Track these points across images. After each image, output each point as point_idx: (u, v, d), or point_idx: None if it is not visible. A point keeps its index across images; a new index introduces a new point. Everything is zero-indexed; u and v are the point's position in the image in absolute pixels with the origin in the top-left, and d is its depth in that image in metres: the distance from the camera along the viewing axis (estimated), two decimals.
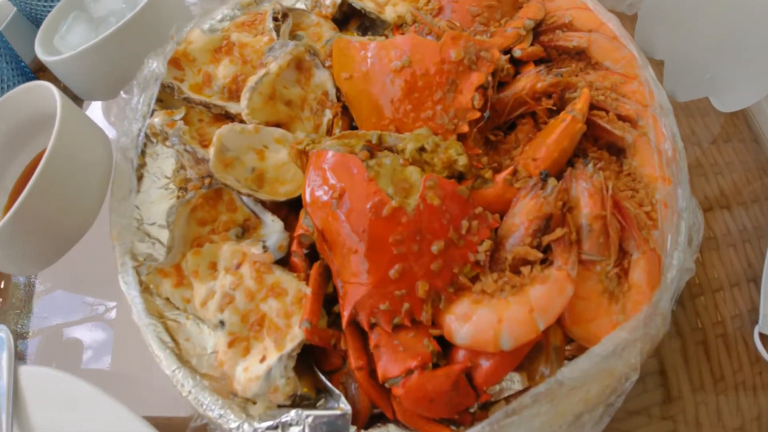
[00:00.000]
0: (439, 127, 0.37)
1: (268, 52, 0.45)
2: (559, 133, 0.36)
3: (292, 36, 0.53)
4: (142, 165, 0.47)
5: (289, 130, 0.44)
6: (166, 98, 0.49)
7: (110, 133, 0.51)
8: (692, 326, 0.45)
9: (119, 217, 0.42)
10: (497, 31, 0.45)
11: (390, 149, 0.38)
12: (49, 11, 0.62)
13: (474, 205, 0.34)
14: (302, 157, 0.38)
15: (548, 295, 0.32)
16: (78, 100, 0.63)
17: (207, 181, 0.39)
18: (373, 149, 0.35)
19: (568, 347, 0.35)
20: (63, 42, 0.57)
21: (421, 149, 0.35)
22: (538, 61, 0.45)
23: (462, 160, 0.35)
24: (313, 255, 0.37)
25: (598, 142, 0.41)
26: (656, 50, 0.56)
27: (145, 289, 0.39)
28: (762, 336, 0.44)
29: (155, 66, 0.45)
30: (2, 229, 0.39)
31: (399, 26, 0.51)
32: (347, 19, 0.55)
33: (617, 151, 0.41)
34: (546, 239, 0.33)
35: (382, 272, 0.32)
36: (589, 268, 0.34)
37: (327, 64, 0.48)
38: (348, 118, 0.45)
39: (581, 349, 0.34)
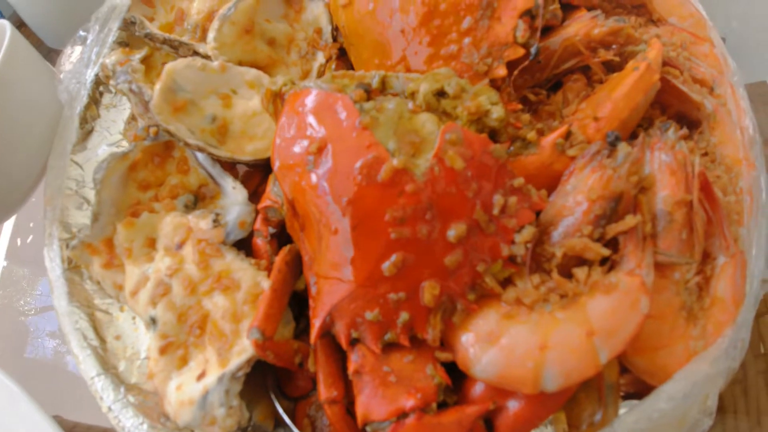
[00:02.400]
0: (467, 67, 0.23)
1: None
2: (630, 84, 0.22)
3: None
4: (94, 116, 0.34)
5: (270, 74, 0.30)
6: (132, 41, 0.35)
7: None
8: (755, 352, 0.32)
9: (55, 176, 0.29)
10: None
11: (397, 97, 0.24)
12: None
13: (512, 175, 0.20)
14: (276, 102, 0.24)
15: (615, 311, 0.19)
16: (55, 56, 0.50)
17: (153, 131, 0.25)
18: (370, 89, 0.22)
19: (621, 381, 0.23)
20: None
21: (441, 93, 0.21)
22: (589, 9, 0.31)
23: (497, 112, 0.21)
24: (283, 238, 0.24)
25: (667, 111, 0.28)
26: (716, 24, 0.42)
27: (73, 267, 0.26)
28: None
29: None
30: None
31: None
32: None
33: (690, 124, 0.28)
34: (611, 230, 0.20)
35: (372, 265, 0.19)
36: (665, 275, 0.21)
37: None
38: (345, 65, 0.31)
39: (637, 383, 0.22)
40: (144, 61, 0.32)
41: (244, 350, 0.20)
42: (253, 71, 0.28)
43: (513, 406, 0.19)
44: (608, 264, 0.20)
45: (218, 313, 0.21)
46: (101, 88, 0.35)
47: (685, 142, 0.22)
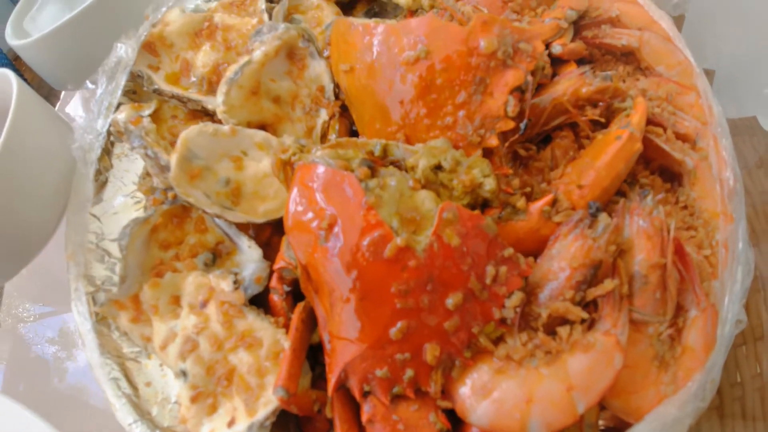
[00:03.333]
0: (461, 138, 0.26)
1: (254, 36, 0.34)
2: (612, 154, 0.25)
3: (288, 20, 0.41)
4: (107, 167, 0.37)
5: (276, 131, 0.33)
6: (139, 90, 0.38)
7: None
8: (731, 381, 0.36)
9: (74, 231, 0.32)
10: (533, 22, 0.33)
11: (397, 164, 0.27)
12: None
13: (503, 246, 0.23)
14: (286, 170, 0.27)
15: (592, 368, 0.22)
16: (55, 95, 0.51)
17: (171, 195, 0.28)
18: (375, 164, 0.25)
19: (600, 421, 0.26)
20: (33, 24, 0.46)
21: (438, 167, 0.24)
22: (578, 62, 0.34)
23: (489, 184, 0.24)
24: (297, 292, 0.28)
25: (650, 165, 0.31)
26: (705, 58, 0.44)
27: (101, 319, 0.30)
28: None
29: (123, 51, 0.34)
30: None
31: (414, 12, 0.39)
32: (354, 2, 0.44)
33: (671, 176, 0.31)
34: (591, 293, 0.23)
35: (380, 330, 0.22)
36: (639, 330, 0.24)
37: (325, 54, 0.37)
38: (347, 121, 0.34)
39: (615, 419, 0.25)
40: (153, 114, 0.35)
41: (269, 402, 0.24)
42: (262, 133, 0.31)
43: None
44: (588, 320, 0.24)
45: (244, 367, 0.25)
46: (112, 138, 0.37)
47: (662, 206, 0.25)
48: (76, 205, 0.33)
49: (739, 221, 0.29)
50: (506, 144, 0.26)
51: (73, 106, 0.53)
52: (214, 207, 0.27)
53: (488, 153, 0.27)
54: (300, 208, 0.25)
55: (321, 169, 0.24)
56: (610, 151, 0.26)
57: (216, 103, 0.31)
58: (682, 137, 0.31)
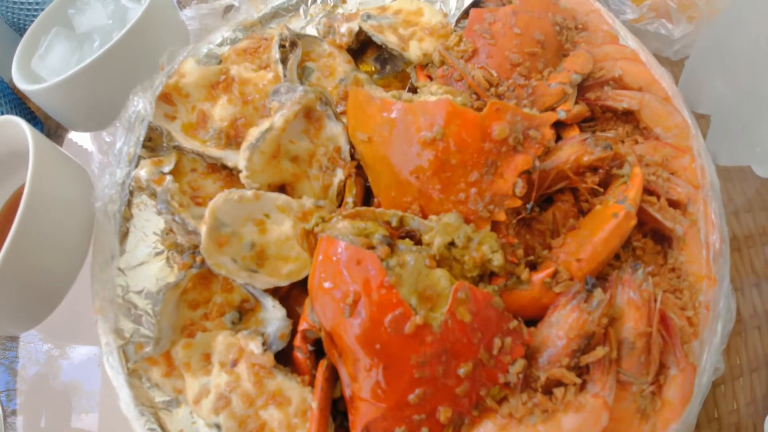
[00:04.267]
0: (472, 212, 0.29)
1: (272, 95, 0.36)
2: (609, 231, 0.29)
3: (301, 67, 0.43)
4: (128, 217, 0.39)
5: (294, 189, 0.36)
6: (155, 137, 0.40)
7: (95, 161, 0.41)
8: (709, 416, 0.41)
9: (101, 286, 0.34)
10: (539, 86, 0.36)
11: (412, 234, 0.30)
12: (33, 19, 0.50)
13: (508, 318, 0.27)
14: (309, 239, 0.31)
15: (582, 426, 0.26)
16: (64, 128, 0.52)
17: (200, 259, 0.31)
18: (393, 240, 0.28)
19: None
20: (42, 64, 0.46)
21: (451, 243, 0.28)
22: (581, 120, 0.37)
23: (497, 260, 0.28)
24: (319, 349, 0.31)
25: (643, 227, 0.34)
26: (701, 103, 0.47)
27: (132, 372, 0.33)
28: None
29: (141, 106, 0.36)
30: None
31: (424, 66, 0.42)
32: (364, 47, 0.46)
33: (662, 237, 0.35)
34: (585, 360, 0.27)
35: (400, 395, 0.26)
36: (625, 388, 0.29)
37: (340, 109, 0.39)
38: (362, 180, 0.36)
39: None
40: (173, 169, 0.37)
41: None
42: (283, 197, 0.33)
43: None
44: (581, 382, 0.28)
45: (274, 423, 0.28)
46: (131, 187, 0.39)
47: (651, 278, 0.29)
48: (101, 261, 0.36)
49: (722, 280, 0.33)
50: (514, 221, 0.30)
51: (83, 142, 0.55)
52: (241, 273, 0.30)
53: (496, 223, 0.30)
54: (325, 281, 0.28)
55: (344, 246, 0.27)
56: (607, 228, 0.29)
57: (238, 166, 0.33)
58: (674, 203, 0.35)
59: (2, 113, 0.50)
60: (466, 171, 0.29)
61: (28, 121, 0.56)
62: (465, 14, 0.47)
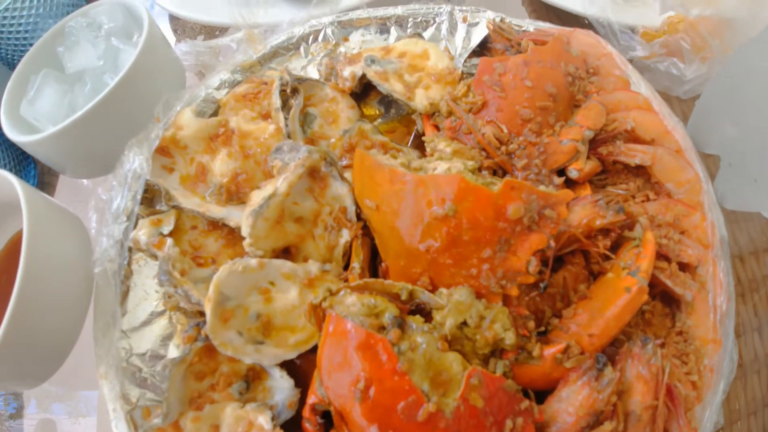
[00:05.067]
0: (483, 287, 0.29)
1: (275, 153, 0.36)
2: (621, 306, 0.29)
3: (303, 113, 0.43)
4: (127, 275, 0.39)
5: (299, 250, 0.36)
6: (153, 190, 0.40)
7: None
8: None
9: (105, 352, 0.35)
10: (551, 143, 0.36)
11: (422, 307, 0.31)
12: (23, 53, 0.49)
13: (519, 399, 0.28)
14: (317, 313, 0.31)
15: None
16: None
17: (204, 332, 0.32)
18: (403, 319, 0.28)
19: None
20: (32, 109, 0.44)
21: (463, 323, 0.29)
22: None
23: (509, 338, 0.28)
24: (328, 420, 0.32)
25: (653, 290, 0.35)
26: (711, 144, 0.47)
27: None
28: None
29: (138, 164, 0.36)
30: None
31: (430, 115, 0.42)
32: (367, 89, 0.45)
33: (671, 299, 0.36)
34: None
35: None
36: None
37: (344, 162, 0.39)
38: (369, 239, 0.36)
39: None
40: (173, 228, 0.37)
41: None
42: (288, 264, 0.33)
43: None
44: None
45: None
46: (129, 243, 0.39)
47: (660, 351, 0.30)
48: (103, 324, 0.36)
49: (726, 339, 0.34)
50: (526, 298, 0.30)
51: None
52: (248, 348, 0.30)
53: (508, 297, 0.31)
54: (335, 362, 0.28)
55: (354, 328, 0.28)
56: (620, 303, 0.30)
57: (241, 232, 0.33)
58: (684, 265, 0.35)
59: None
60: (478, 247, 0.29)
61: (20, 161, 0.55)
62: (474, 53, 0.47)
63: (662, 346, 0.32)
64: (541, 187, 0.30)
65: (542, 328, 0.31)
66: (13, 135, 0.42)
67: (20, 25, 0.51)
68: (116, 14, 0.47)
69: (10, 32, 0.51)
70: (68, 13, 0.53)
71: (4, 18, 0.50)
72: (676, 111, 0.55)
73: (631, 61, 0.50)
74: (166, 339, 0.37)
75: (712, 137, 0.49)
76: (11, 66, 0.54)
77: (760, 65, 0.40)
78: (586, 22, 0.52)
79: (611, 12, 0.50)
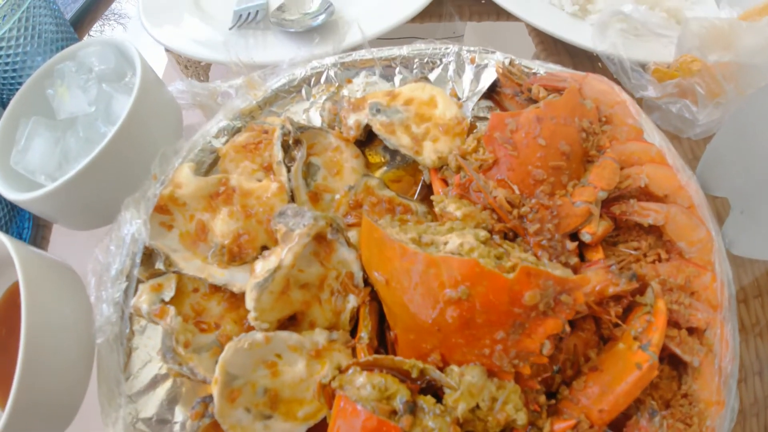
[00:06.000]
0: (495, 366, 0.30)
1: (278, 217, 0.36)
2: (632, 383, 0.30)
3: (306, 164, 0.43)
4: (129, 338, 0.39)
5: (305, 316, 0.36)
6: (152, 252, 0.40)
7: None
8: None
9: (112, 421, 0.35)
10: (564, 205, 0.36)
11: (433, 384, 0.32)
12: (12, 91, 0.48)
13: None
14: (327, 392, 0.32)
15: None
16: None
17: (211, 408, 0.32)
18: (414, 403, 0.29)
19: None
20: (23, 160, 0.44)
21: (475, 407, 0.30)
22: None
23: (521, 419, 0.29)
24: None
25: (661, 353, 0.36)
26: (720, 189, 0.48)
27: None
28: None
29: (135, 229, 0.36)
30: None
31: (438, 169, 0.42)
32: (371, 136, 0.45)
33: (677, 361, 0.37)
34: None
35: None
36: None
37: (349, 220, 0.40)
38: (376, 304, 0.37)
39: None
40: (175, 290, 0.37)
41: None
42: (295, 337, 0.33)
43: None
44: None
45: None
46: (130, 310, 0.39)
47: (666, 422, 0.31)
48: (107, 391, 0.36)
49: (729, 398, 0.35)
50: (539, 379, 0.31)
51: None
52: (256, 425, 0.31)
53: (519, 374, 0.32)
54: None
55: (365, 414, 0.28)
56: (630, 379, 0.30)
57: (246, 305, 0.33)
58: (693, 331, 0.37)
59: None
60: (492, 330, 0.29)
61: (14, 207, 0.54)
62: (486, 95, 0.46)
63: (667, 407, 0.33)
64: (557, 272, 0.31)
65: (552, 401, 0.32)
66: (6, 192, 0.41)
67: (7, 64, 0.51)
68: (107, 56, 0.47)
69: None
70: (58, 50, 0.52)
71: None
72: (686, 148, 0.56)
73: (641, 100, 0.50)
74: (172, 402, 0.38)
75: (722, 181, 0.50)
76: (2, 104, 0.54)
77: None
78: (596, 56, 0.52)
79: (622, 48, 0.50)
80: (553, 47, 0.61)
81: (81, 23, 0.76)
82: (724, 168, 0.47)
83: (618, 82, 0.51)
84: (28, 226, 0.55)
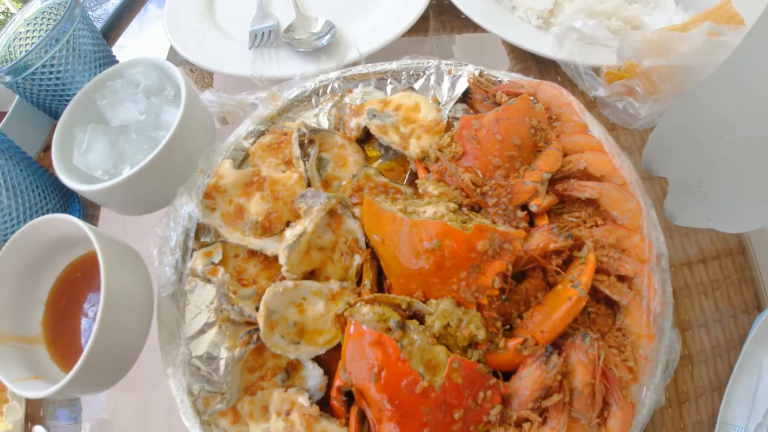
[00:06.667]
0: (462, 298, 0.43)
1: (300, 198, 0.49)
2: (564, 311, 0.43)
3: (318, 158, 0.56)
4: (183, 294, 0.53)
5: (321, 272, 0.49)
6: (199, 225, 0.53)
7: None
8: None
9: (171, 357, 0.49)
10: (516, 184, 0.49)
11: (417, 313, 0.45)
12: (60, 101, 0.62)
13: (489, 377, 0.42)
14: (340, 319, 0.45)
15: None
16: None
17: (255, 336, 0.46)
18: (404, 322, 0.42)
19: None
20: (84, 160, 0.56)
21: (447, 325, 0.43)
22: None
23: (481, 335, 0.42)
24: (350, 398, 0.46)
25: (597, 296, 0.49)
26: (661, 170, 0.60)
27: (204, 422, 0.48)
28: None
29: (191, 209, 0.49)
30: (74, 377, 0.45)
31: (422, 160, 0.55)
32: (369, 135, 0.58)
33: (612, 303, 0.49)
34: (545, 403, 0.42)
35: None
36: (576, 422, 0.44)
37: (354, 200, 0.53)
38: (375, 262, 0.50)
39: None
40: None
41: None
42: (316, 284, 0.46)
43: None
44: (543, 418, 0.43)
45: None
46: (186, 272, 0.53)
47: (596, 343, 0.43)
48: (168, 335, 0.49)
49: (661, 335, 0.47)
50: (495, 305, 0.44)
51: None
52: (290, 347, 0.44)
53: (480, 303, 0.45)
54: (356, 355, 0.42)
55: (368, 330, 0.42)
56: (564, 308, 0.43)
57: (279, 261, 0.47)
58: (622, 278, 0.49)
59: (35, 190, 0.62)
60: (457, 270, 0.42)
61: (67, 199, 0.67)
62: (458, 101, 0.59)
63: (602, 338, 0.45)
64: (502, 228, 0.44)
65: (507, 326, 0.45)
66: (73, 184, 0.53)
67: (58, 80, 0.63)
68: (151, 74, 0.60)
69: (48, 85, 0.63)
70: (101, 66, 0.65)
71: (42, 73, 0.62)
72: (636, 137, 0.69)
73: (594, 99, 0.63)
74: (218, 344, 0.51)
75: (662, 164, 0.62)
76: (50, 113, 0.67)
77: (706, 104, 0.52)
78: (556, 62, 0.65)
79: (577, 56, 0.63)
80: (522, 56, 0.74)
81: (108, 38, 0.90)
82: (664, 153, 0.59)
83: (574, 85, 0.64)
84: (79, 216, 0.69)
